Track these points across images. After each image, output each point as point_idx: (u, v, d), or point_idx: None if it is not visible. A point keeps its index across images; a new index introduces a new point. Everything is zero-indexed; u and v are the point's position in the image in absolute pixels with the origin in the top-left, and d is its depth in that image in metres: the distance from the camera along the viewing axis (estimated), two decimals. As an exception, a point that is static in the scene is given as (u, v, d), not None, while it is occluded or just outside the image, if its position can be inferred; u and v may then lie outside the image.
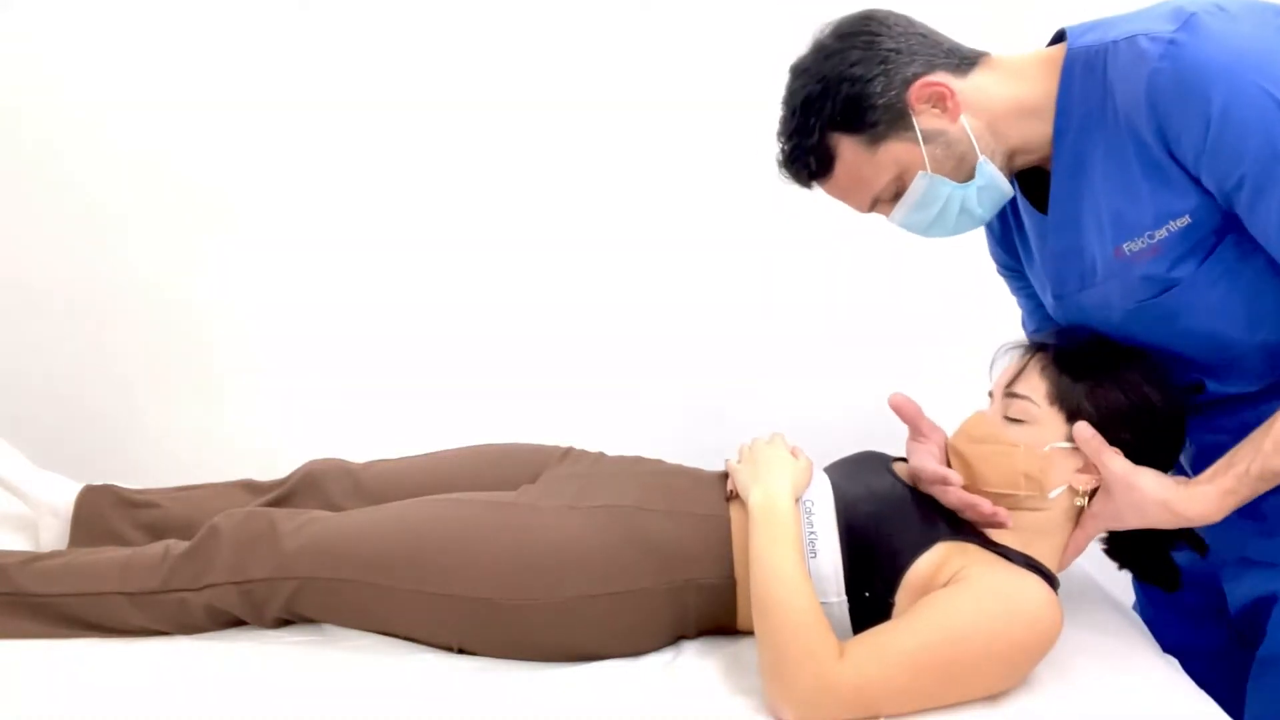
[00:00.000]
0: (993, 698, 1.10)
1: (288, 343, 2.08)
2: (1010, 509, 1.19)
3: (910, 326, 2.02)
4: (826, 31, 1.18)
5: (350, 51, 1.98)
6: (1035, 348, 1.24)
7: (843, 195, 1.22)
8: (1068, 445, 1.17)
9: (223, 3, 1.96)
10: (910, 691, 1.06)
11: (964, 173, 1.16)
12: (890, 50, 1.13)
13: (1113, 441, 1.15)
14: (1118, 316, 1.17)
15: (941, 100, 1.13)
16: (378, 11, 1.97)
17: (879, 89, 1.12)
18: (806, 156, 1.17)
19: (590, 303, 2.05)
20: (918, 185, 1.16)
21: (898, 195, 1.19)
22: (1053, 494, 1.18)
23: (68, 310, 2.05)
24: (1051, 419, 1.18)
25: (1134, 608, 1.45)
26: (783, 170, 1.22)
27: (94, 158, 2.00)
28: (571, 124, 2.00)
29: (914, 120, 1.13)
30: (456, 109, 1.99)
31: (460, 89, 1.99)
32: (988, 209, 1.19)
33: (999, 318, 1.96)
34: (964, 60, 1.16)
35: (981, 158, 1.14)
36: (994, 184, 1.16)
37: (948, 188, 1.16)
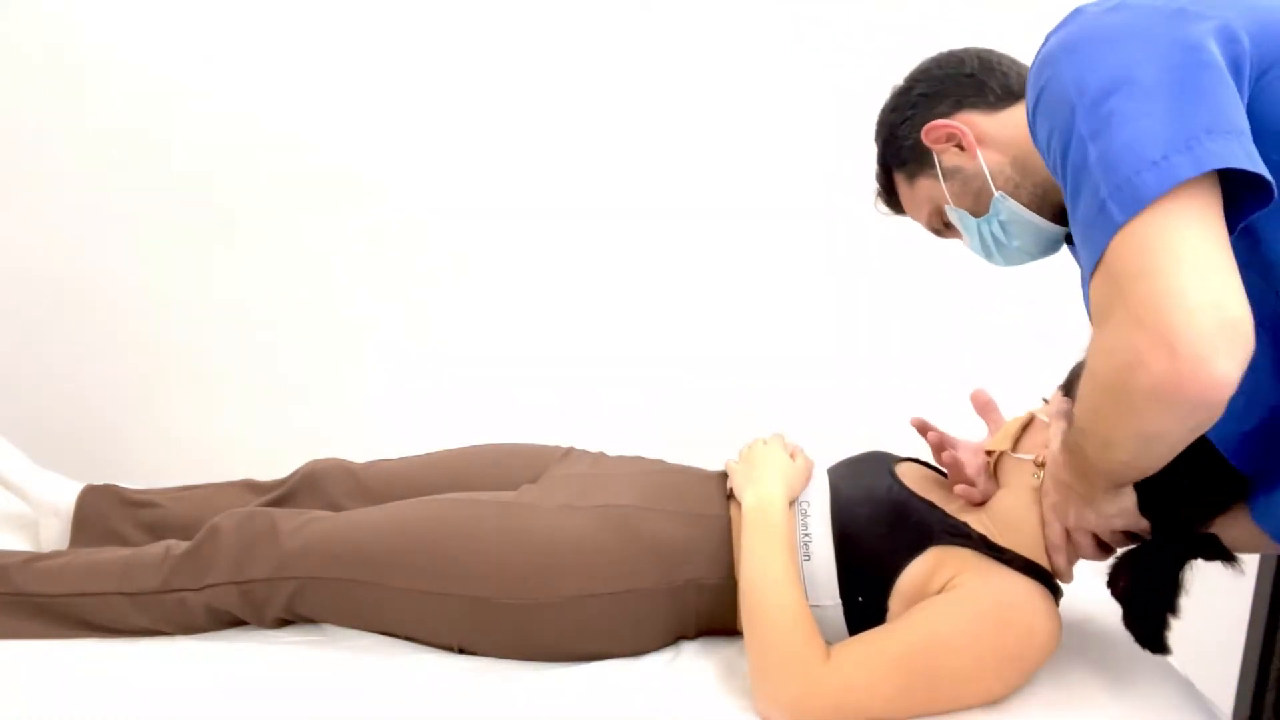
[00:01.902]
0: (989, 708, 1.08)
1: (289, 342, 2.08)
2: (1003, 494, 1.22)
3: (913, 328, 2.01)
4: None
5: (346, 49, 1.98)
6: None
7: (913, 219, 1.32)
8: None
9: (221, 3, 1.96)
10: (898, 699, 1.05)
11: (982, 206, 1.19)
12: (921, 95, 1.23)
13: None
14: None
15: (955, 139, 1.18)
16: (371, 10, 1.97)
17: (905, 132, 1.23)
18: (881, 189, 1.33)
19: (591, 303, 2.05)
20: (952, 217, 1.24)
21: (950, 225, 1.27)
22: (1018, 455, 1.21)
23: (68, 310, 2.05)
24: (1056, 399, 1.20)
25: None
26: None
27: (94, 158, 2.00)
28: (571, 124, 2.00)
29: (936, 158, 1.21)
30: (455, 109, 1.99)
31: (458, 89, 1.98)
32: (1026, 242, 1.19)
33: (1006, 318, 1.97)
34: (1010, 95, 1.18)
35: (997, 193, 1.16)
36: (1017, 218, 1.17)
37: (972, 221, 1.21)
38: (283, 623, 1.28)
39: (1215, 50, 0.83)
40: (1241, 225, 0.82)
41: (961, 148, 1.18)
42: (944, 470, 1.34)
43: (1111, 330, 0.80)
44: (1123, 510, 1.07)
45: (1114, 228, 0.79)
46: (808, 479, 1.28)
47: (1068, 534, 1.14)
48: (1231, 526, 1.07)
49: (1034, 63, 0.95)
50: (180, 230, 2.03)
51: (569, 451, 1.48)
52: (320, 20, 1.96)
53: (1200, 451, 0.95)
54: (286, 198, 2.02)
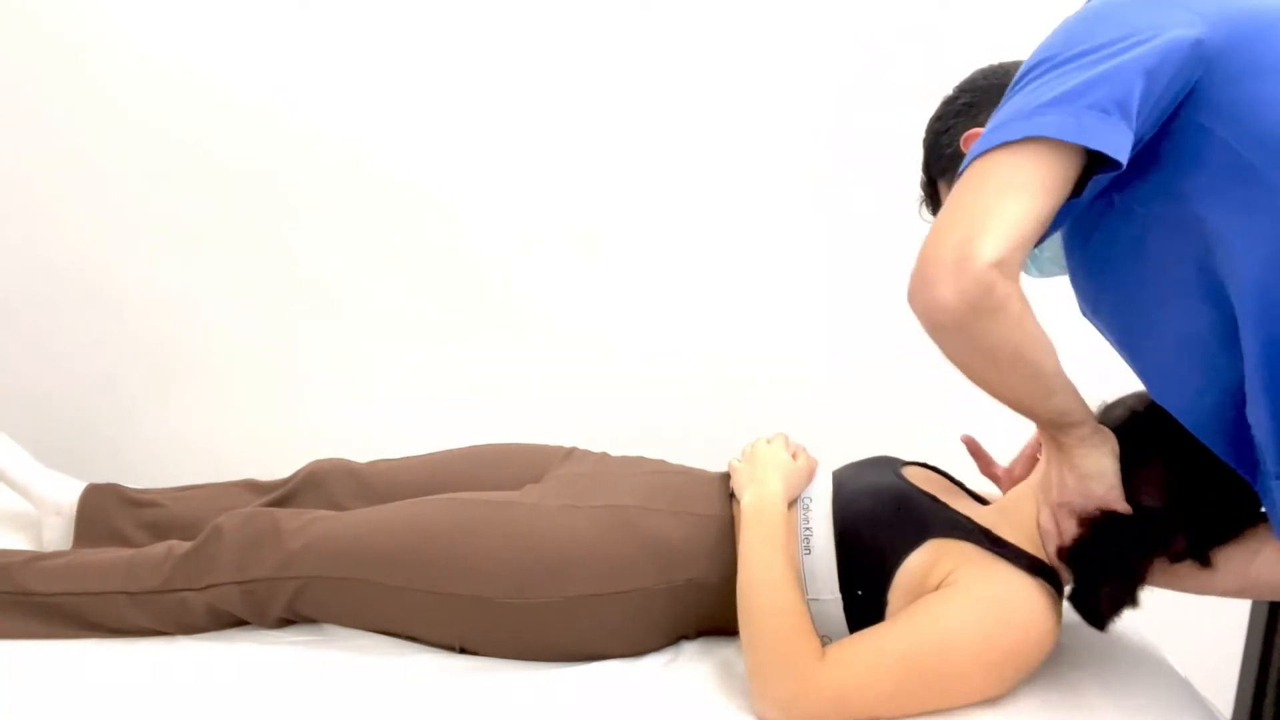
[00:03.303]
0: (989, 708, 1.08)
1: (291, 342, 2.08)
2: (1016, 500, 1.21)
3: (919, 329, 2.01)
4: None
5: (349, 49, 1.98)
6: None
7: None
8: None
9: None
10: (894, 697, 1.05)
11: None
12: (965, 104, 1.24)
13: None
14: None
15: None
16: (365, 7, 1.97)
17: (947, 140, 1.24)
18: (925, 196, 1.33)
19: (593, 303, 2.05)
20: None
21: None
22: None
23: (71, 308, 2.06)
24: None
25: None
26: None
27: (96, 155, 2.01)
28: (572, 125, 1.99)
29: None
30: (457, 109, 1.99)
31: (457, 88, 1.98)
32: (1059, 253, 1.17)
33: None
34: None
35: None
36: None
37: None
38: (284, 622, 1.29)
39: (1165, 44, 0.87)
40: (1111, 188, 0.94)
41: None
42: (951, 476, 1.34)
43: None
44: (1100, 473, 1.06)
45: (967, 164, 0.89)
46: (809, 479, 1.28)
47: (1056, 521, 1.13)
48: (1253, 557, 1.07)
49: None
50: (182, 229, 2.03)
51: (571, 451, 1.48)
52: (325, 18, 1.96)
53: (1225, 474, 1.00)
54: (289, 197, 2.02)
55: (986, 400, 1.10)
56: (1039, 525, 1.15)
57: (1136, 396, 1.15)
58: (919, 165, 1.32)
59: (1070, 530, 1.10)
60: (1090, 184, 0.92)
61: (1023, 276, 1.24)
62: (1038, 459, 1.24)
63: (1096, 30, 0.91)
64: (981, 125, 1.15)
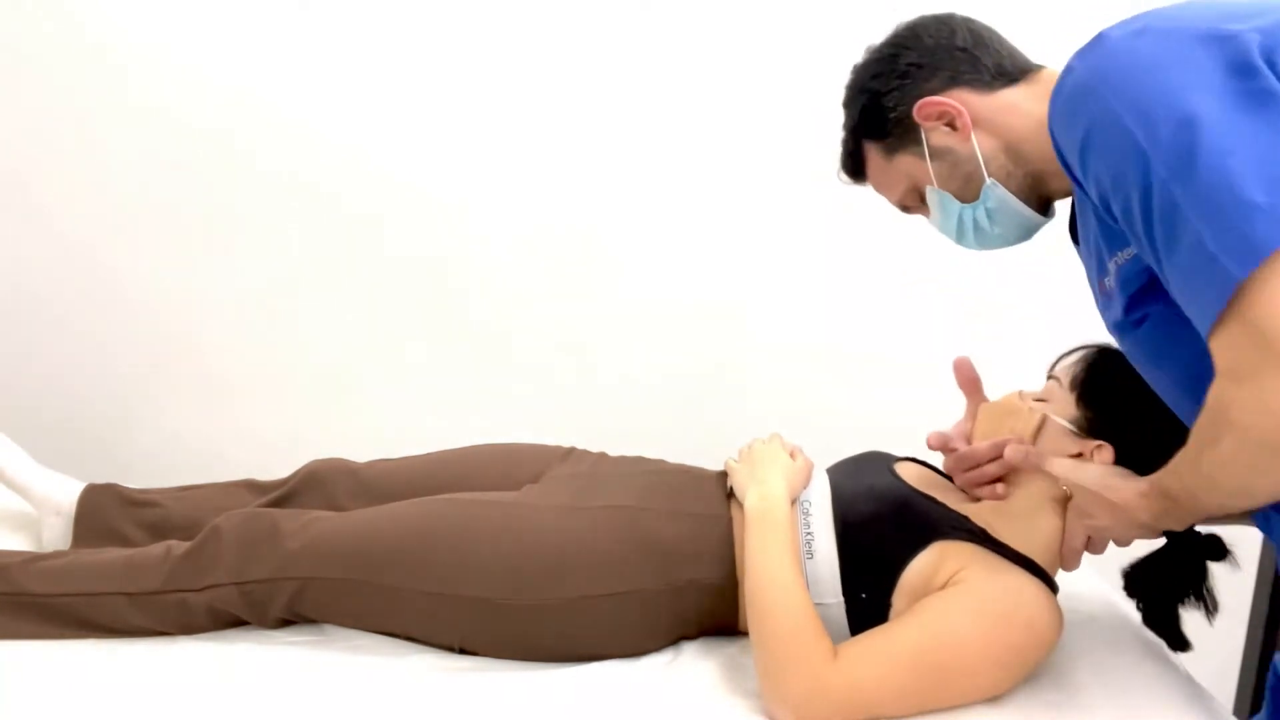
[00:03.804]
0: (993, 704, 1.09)
1: (290, 342, 2.08)
2: (1006, 485, 1.23)
3: (918, 327, 2.01)
4: (879, 40, 1.19)
5: (349, 50, 1.98)
6: (1097, 347, 1.24)
7: (879, 193, 1.24)
8: (1066, 424, 1.18)
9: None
10: (905, 694, 1.06)
11: (971, 192, 1.13)
12: (911, 65, 1.13)
13: (1114, 440, 1.15)
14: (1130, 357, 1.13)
15: (949, 119, 1.11)
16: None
17: (892, 103, 1.13)
18: (846, 157, 1.23)
19: (593, 302, 2.05)
20: (931, 198, 1.17)
21: (924, 201, 1.20)
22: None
23: (70, 308, 2.05)
24: (1066, 399, 1.21)
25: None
26: (839, 168, 1.26)
27: (95, 155, 2.00)
28: (573, 125, 1.99)
29: (923, 135, 1.13)
30: (457, 108, 1.99)
31: (457, 88, 1.98)
32: (1008, 230, 1.15)
33: (1009, 316, 1.97)
34: (1003, 76, 1.11)
35: (989, 180, 1.11)
36: (1006, 205, 1.12)
37: (955, 205, 1.15)
38: (284, 623, 1.28)
39: (1264, 70, 0.82)
40: None
41: (954, 128, 1.11)
42: (943, 470, 1.34)
43: (1271, 389, 0.78)
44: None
45: (1232, 281, 0.78)
46: (808, 478, 1.28)
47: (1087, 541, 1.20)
48: None
49: (1066, 91, 0.93)
50: (182, 229, 2.03)
51: (570, 451, 1.48)
52: (327, 19, 1.96)
53: None
54: (288, 197, 2.02)
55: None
56: (1069, 545, 1.20)
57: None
58: (840, 122, 1.21)
59: (1100, 549, 1.20)
60: None
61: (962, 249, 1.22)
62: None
63: (1206, 80, 0.83)
64: (934, 91, 1.11)
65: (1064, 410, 1.20)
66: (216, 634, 1.26)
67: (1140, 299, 0.99)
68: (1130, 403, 1.14)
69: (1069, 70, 0.93)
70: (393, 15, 1.96)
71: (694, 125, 1.97)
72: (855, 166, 1.22)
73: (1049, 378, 1.25)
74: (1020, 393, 1.27)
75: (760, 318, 2.03)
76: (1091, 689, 1.14)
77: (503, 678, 1.18)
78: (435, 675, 1.18)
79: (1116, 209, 0.90)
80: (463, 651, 1.25)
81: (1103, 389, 1.19)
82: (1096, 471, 1.10)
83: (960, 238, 1.18)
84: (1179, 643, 1.22)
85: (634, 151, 1.99)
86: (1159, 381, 1.05)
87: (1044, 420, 1.21)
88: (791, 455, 1.31)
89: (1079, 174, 0.95)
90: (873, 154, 1.19)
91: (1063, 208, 1.15)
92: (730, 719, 1.10)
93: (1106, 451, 1.15)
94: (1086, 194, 0.96)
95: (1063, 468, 1.12)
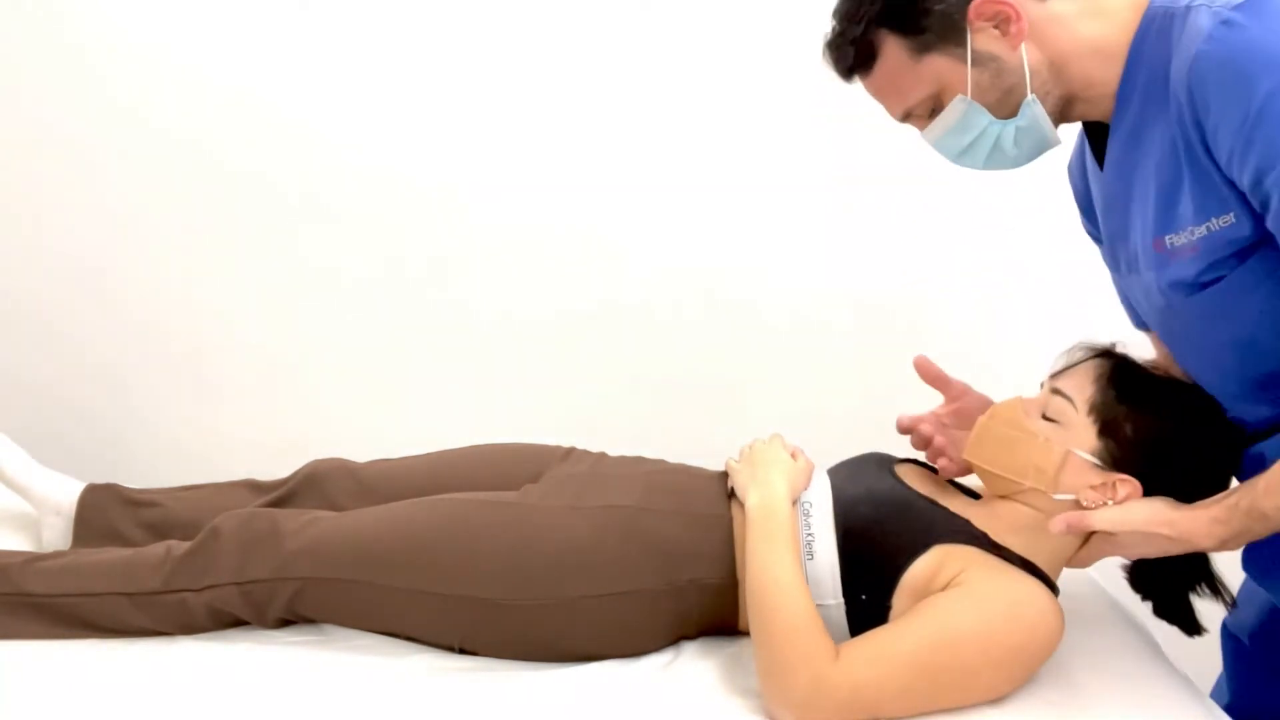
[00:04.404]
0: (994, 704, 1.09)
1: (290, 342, 2.08)
2: (1009, 498, 1.20)
3: (916, 325, 2.01)
4: None
5: (350, 49, 1.98)
6: (1102, 353, 1.21)
7: (879, 97, 1.12)
8: (1089, 458, 1.14)
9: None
10: (907, 694, 1.06)
11: (1008, 108, 1.05)
12: None
13: (1140, 472, 1.12)
14: (1156, 313, 1.10)
15: (1005, 22, 1.01)
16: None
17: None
18: (849, 47, 1.07)
19: (592, 302, 2.05)
20: (955, 108, 1.06)
21: (934, 112, 1.08)
22: (1058, 496, 1.15)
23: (70, 308, 2.05)
24: (1084, 427, 1.15)
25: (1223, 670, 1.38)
26: (824, 55, 1.11)
27: (94, 156, 2.00)
28: (573, 125, 1.99)
29: (969, 37, 1.02)
30: (458, 108, 1.99)
31: (458, 90, 1.98)
32: (1025, 152, 1.09)
33: (1007, 315, 1.97)
34: None
35: (1030, 96, 1.03)
36: (1036, 126, 1.05)
37: (984, 119, 1.05)
38: (284, 623, 1.28)
39: None
40: None
41: (1002, 34, 1.01)
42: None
43: None
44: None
45: None
46: (809, 479, 1.28)
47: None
48: None
49: (1235, 46, 0.89)
50: (182, 229, 2.03)
51: (570, 452, 1.48)
52: (327, 19, 1.96)
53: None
54: (289, 197, 2.02)
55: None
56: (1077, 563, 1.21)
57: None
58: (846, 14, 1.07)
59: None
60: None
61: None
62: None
63: None
64: None
65: (1084, 442, 1.15)
66: (216, 634, 1.26)
67: (1223, 262, 0.97)
68: (1155, 429, 1.13)
69: (1229, 24, 0.89)
70: (392, 15, 1.96)
71: (694, 125, 1.97)
72: (859, 61, 1.08)
73: (1053, 391, 1.19)
74: (1022, 400, 1.22)
75: (760, 317, 2.03)
76: (1091, 689, 1.14)
77: (503, 678, 1.18)
78: (435, 675, 1.18)
79: (1271, 186, 0.87)
80: (463, 651, 1.25)
81: (1127, 419, 1.14)
82: (1144, 511, 1.07)
83: (968, 156, 1.10)
84: (1193, 628, 1.20)
85: (634, 151, 1.99)
86: (1209, 339, 1.03)
87: (1066, 455, 1.15)
88: (792, 456, 1.30)
89: (1223, 144, 0.91)
90: (894, 50, 1.05)
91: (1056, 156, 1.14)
92: (730, 719, 1.09)
93: (1130, 486, 1.11)
94: (1194, 155, 0.94)
95: (1109, 521, 1.09)
